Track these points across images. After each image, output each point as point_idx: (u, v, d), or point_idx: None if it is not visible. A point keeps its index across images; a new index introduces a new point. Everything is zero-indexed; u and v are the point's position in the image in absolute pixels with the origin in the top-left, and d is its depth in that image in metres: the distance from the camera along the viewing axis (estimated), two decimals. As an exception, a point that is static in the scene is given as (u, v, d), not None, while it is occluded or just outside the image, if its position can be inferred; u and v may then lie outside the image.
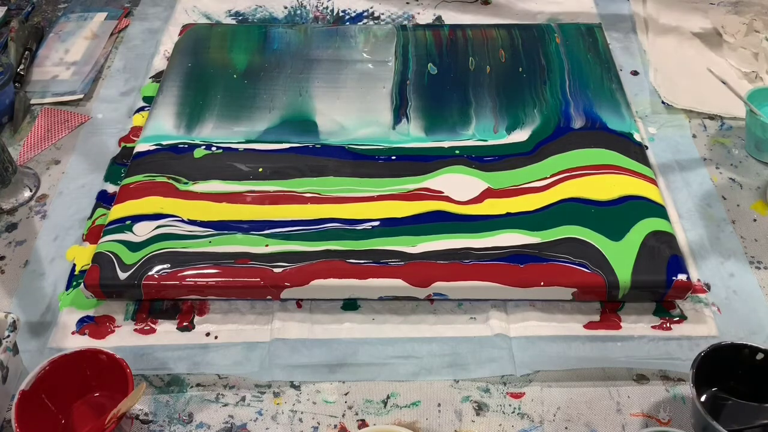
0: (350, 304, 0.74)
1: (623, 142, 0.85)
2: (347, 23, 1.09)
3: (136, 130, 0.92)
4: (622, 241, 0.74)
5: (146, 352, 0.70)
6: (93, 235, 0.80)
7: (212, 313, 0.73)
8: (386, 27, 1.04)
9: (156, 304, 0.74)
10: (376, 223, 0.77)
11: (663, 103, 0.95)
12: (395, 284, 0.71)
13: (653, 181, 0.81)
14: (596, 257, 0.72)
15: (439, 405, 0.66)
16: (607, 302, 0.73)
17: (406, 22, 1.09)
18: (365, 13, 1.11)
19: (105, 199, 0.84)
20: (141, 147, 0.86)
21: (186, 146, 0.86)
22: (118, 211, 0.78)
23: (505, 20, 1.10)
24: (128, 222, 0.77)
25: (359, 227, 0.76)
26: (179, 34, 1.05)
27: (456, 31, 1.03)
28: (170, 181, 0.81)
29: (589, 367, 0.68)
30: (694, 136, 0.91)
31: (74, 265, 0.77)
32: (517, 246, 0.74)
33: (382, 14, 1.12)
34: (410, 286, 0.71)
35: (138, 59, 1.04)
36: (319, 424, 0.65)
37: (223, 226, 0.77)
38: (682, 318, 0.72)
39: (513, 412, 0.66)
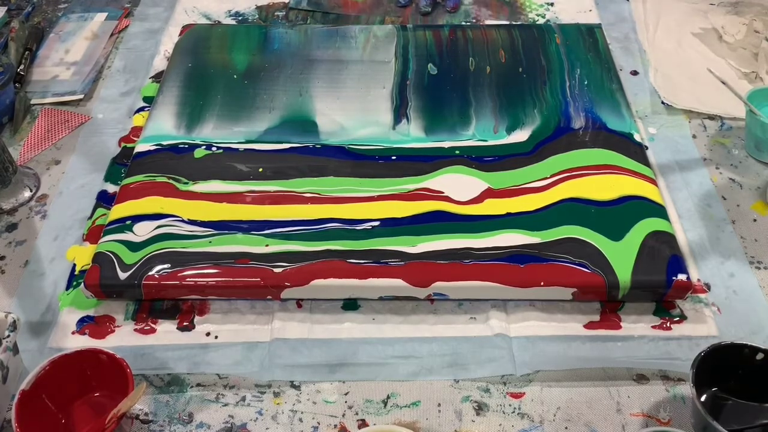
0: (350, 304, 0.74)
1: (623, 142, 0.85)
2: None
3: (136, 130, 0.92)
4: (622, 241, 0.74)
5: (146, 352, 0.70)
6: (93, 235, 0.80)
7: (212, 313, 0.73)
8: (386, 27, 1.04)
9: (156, 303, 0.74)
10: (376, 223, 0.77)
11: (663, 103, 0.95)
12: (395, 284, 0.71)
13: (653, 181, 0.81)
14: (596, 257, 0.72)
15: (439, 405, 0.66)
16: (607, 302, 0.73)
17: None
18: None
19: (105, 199, 0.84)
20: (141, 147, 0.86)
21: (186, 146, 0.86)
22: (119, 211, 0.78)
23: (505, 20, 1.10)
24: (128, 222, 0.77)
25: (359, 227, 0.76)
26: (179, 35, 1.05)
27: (456, 31, 1.03)
28: (170, 181, 0.81)
29: (589, 367, 0.68)
30: (694, 136, 0.91)
31: (74, 265, 0.77)
32: (517, 246, 0.74)
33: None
34: (410, 286, 0.71)
35: (138, 59, 1.04)
36: (319, 424, 0.65)
37: (223, 226, 0.77)
38: (682, 318, 0.72)
39: (513, 412, 0.66)
